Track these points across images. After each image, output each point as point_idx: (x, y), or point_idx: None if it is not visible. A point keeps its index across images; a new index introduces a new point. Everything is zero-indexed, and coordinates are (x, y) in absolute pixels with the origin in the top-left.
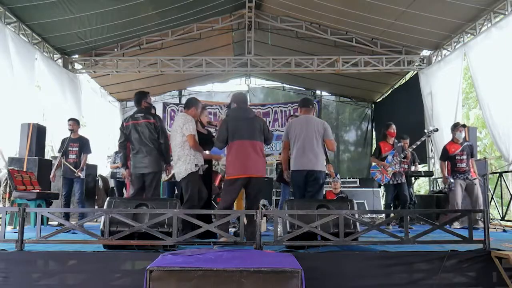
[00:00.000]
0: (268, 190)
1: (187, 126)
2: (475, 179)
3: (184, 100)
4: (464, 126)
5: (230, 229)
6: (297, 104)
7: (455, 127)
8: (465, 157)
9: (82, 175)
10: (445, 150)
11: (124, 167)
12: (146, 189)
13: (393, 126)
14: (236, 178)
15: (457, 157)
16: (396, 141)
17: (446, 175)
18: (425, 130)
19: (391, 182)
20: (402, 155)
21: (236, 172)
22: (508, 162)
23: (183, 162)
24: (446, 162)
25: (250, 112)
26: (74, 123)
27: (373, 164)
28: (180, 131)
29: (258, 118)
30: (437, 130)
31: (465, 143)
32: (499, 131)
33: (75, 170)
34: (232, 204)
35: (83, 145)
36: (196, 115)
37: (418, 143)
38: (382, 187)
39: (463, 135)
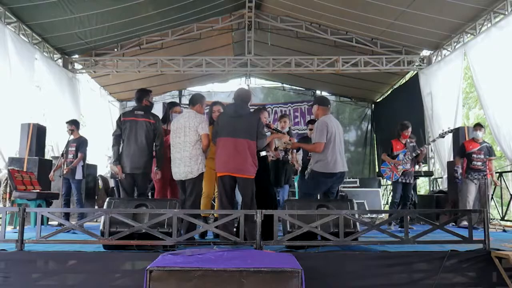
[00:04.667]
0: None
1: (203, 125)
2: (485, 179)
3: (184, 100)
4: (480, 125)
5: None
6: (297, 104)
7: (474, 127)
8: (482, 156)
9: (78, 175)
10: (462, 147)
11: (116, 162)
12: (136, 189)
13: (409, 130)
14: (220, 175)
15: (473, 155)
16: (408, 141)
17: (459, 170)
18: (440, 132)
19: (400, 180)
20: (414, 154)
21: (219, 169)
22: (511, 162)
23: (195, 162)
24: (462, 159)
25: (243, 109)
26: (69, 125)
27: (384, 161)
28: (195, 129)
29: (250, 116)
30: (451, 131)
31: (484, 144)
32: (501, 130)
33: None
34: (228, 203)
35: (79, 145)
36: (200, 112)
37: (431, 141)
38: (382, 186)
39: (480, 134)
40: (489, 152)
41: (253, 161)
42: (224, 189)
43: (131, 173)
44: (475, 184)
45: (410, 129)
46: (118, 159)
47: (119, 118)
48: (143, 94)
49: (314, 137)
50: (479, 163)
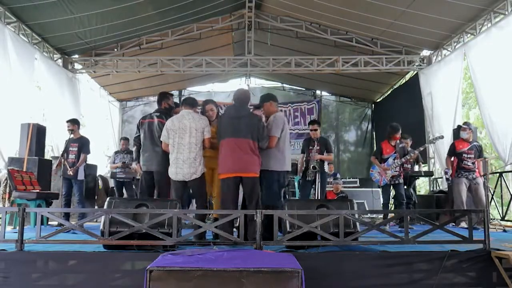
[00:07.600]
0: None
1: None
2: (476, 178)
3: None
4: (463, 127)
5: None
6: (297, 104)
7: (460, 127)
8: (472, 156)
9: (80, 176)
10: (452, 146)
11: (136, 161)
12: (155, 188)
13: (400, 132)
14: (225, 177)
15: (463, 155)
16: (398, 142)
17: (449, 171)
18: (430, 137)
19: (389, 182)
20: (403, 159)
21: (224, 171)
22: (505, 163)
23: (199, 163)
24: (452, 158)
25: (243, 109)
26: (70, 124)
27: (373, 164)
28: (201, 131)
29: (251, 116)
30: (442, 137)
31: (474, 143)
32: (497, 131)
33: (69, 168)
34: (231, 203)
35: (82, 145)
36: None
37: (421, 148)
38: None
39: (465, 134)
40: (479, 152)
41: (258, 161)
42: (229, 191)
43: (149, 170)
44: (465, 183)
45: (400, 132)
46: (137, 158)
47: (139, 121)
48: (162, 97)
49: (270, 130)
50: (469, 163)
